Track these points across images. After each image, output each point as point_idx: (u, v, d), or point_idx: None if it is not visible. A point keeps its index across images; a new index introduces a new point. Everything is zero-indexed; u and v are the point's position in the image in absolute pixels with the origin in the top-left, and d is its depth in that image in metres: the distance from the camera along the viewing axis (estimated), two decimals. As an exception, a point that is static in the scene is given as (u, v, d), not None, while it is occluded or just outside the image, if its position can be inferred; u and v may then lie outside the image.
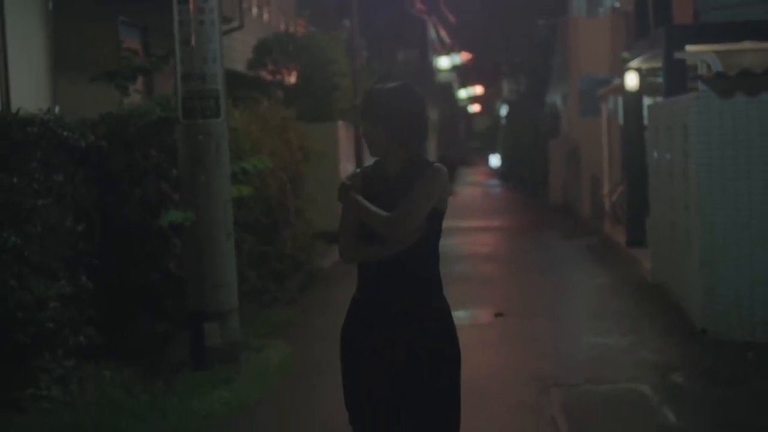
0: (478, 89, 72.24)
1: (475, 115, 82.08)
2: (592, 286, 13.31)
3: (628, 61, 16.49)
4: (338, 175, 18.20)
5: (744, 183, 9.26)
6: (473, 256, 16.60)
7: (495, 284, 13.76)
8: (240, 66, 18.42)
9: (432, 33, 54.49)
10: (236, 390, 7.77)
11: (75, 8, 11.31)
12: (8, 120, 7.17)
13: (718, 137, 9.36)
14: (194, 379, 7.87)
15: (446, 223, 4.24)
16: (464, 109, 77.94)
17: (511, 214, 26.80)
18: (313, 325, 10.85)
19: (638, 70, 16.17)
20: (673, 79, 12.83)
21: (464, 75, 67.67)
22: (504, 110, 57.45)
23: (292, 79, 19.45)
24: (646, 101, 16.40)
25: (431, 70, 52.89)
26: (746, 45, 12.33)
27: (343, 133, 19.24)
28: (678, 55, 12.52)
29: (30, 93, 10.10)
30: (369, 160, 15.78)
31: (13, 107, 8.57)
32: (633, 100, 16.64)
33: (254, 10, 20.72)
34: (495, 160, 57.92)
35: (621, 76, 17.41)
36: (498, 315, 10.98)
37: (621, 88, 17.42)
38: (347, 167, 19.24)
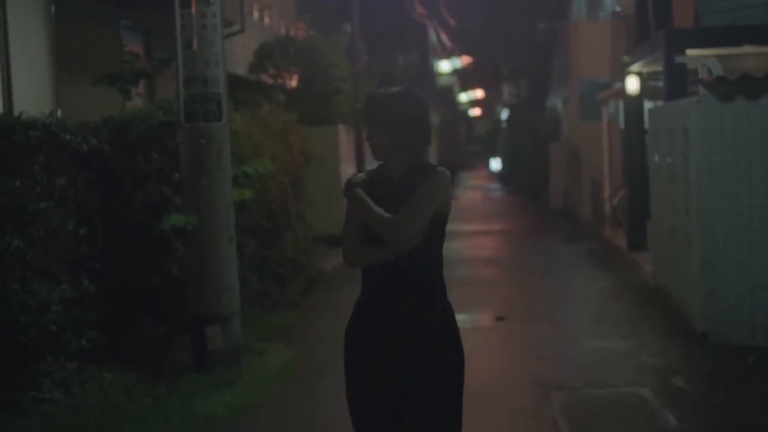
0: (478, 93, 72.23)
1: (475, 118, 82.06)
2: (592, 289, 13.32)
3: (628, 65, 16.50)
4: (339, 179, 18.22)
5: (745, 187, 9.28)
6: (474, 259, 16.61)
7: (496, 288, 13.78)
8: (241, 70, 18.44)
9: (432, 36, 54.52)
10: (238, 393, 7.79)
11: (77, 11, 11.33)
12: (11, 123, 7.17)
13: (719, 141, 9.38)
14: (196, 382, 7.89)
15: (447, 227, 4.25)
16: (465, 113, 77.93)
17: (512, 217, 26.82)
18: (314, 329, 10.87)
19: (639, 74, 16.18)
20: (674, 83, 12.84)
21: (465, 79, 67.67)
22: (504, 114, 57.43)
23: (293, 82, 19.47)
24: (647, 105, 16.42)
25: (432, 74, 52.91)
26: (747, 49, 12.34)
27: (344, 136, 19.26)
28: (679, 59, 12.53)
29: (32, 96, 10.11)
30: (370, 164, 15.74)
31: (16, 110, 8.59)
32: (634, 104, 16.66)
33: (255, 14, 20.73)
34: (495, 164, 57.90)
35: (621, 79, 17.43)
36: (499, 319, 11.01)
37: (622, 92, 17.44)
38: (348, 171, 19.25)
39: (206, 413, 7.30)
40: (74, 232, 7.55)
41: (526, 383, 8.15)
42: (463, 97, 72.63)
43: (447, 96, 59.95)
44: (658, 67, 14.36)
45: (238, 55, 18.31)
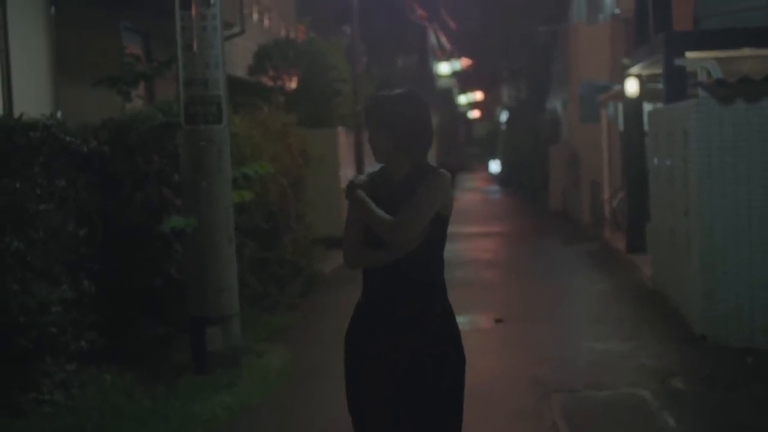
0: (478, 95, 72.25)
1: (474, 120, 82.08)
2: (592, 291, 13.33)
3: (628, 67, 16.52)
4: (338, 181, 18.25)
5: (744, 189, 9.29)
6: (474, 261, 16.62)
7: (496, 290, 13.78)
8: (241, 72, 18.45)
9: (432, 39, 54.53)
10: (238, 394, 7.79)
11: (77, 14, 11.34)
12: (11, 125, 7.19)
13: (718, 144, 9.39)
14: (196, 383, 7.89)
15: (447, 229, 4.27)
16: (464, 115, 77.95)
17: (511, 219, 26.82)
18: (314, 330, 10.88)
19: (638, 76, 16.20)
20: (674, 85, 12.86)
21: (464, 81, 67.69)
22: (504, 116, 57.47)
23: (293, 84, 19.48)
24: (647, 107, 16.43)
25: (431, 76, 52.91)
26: (746, 52, 12.36)
27: (344, 138, 19.28)
28: (678, 61, 12.55)
29: (32, 97, 10.12)
30: (369, 166, 15.79)
31: (16, 112, 8.61)
32: (633, 106, 16.67)
33: (255, 16, 20.74)
34: (495, 166, 57.90)
35: (621, 82, 17.43)
36: (498, 321, 11.02)
37: (621, 94, 17.45)
38: (347, 173, 19.26)
39: (206, 414, 7.30)
40: (74, 234, 7.57)
41: (526, 385, 8.16)
42: (463, 99, 72.65)
43: (446, 98, 59.96)
44: (658, 70, 14.37)
45: (238, 57, 18.33)
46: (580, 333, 10.52)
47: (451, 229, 4.31)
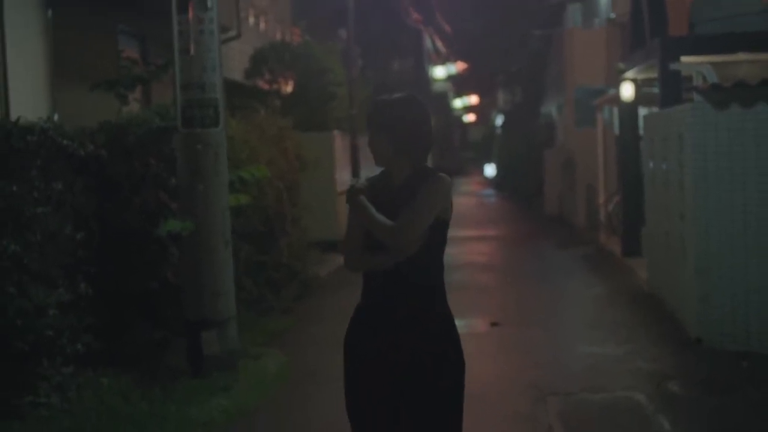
0: (473, 99, 72.31)
1: (470, 124, 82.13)
2: (587, 295, 13.35)
3: (623, 71, 16.55)
4: (334, 184, 18.27)
5: (739, 194, 9.31)
6: (469, 265, 16.63)
7: (491, 293, 13.80)
8: (237, 75, 18.47)
9: (428, 42, 54.60)
10: (234, 398, 7.80)
11: (74, 17, 11.35)
12: (8, 128, 7.19)
13: (714, 148, 9.41)
14: (192, 386, 7.90)
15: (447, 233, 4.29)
16: (459, 119, 78.00)
17: (507, 223, 26.85)
18: (309, 334, 10.89)
19: (634, 80, 16.23)
20: (669, 89, 12.89)
21: (460, 84, 67.78)
22: (499, 120, 57.50)
23: (289, 88, 19.50)
24: (642, 111, 16.46)
25: (427, 80, 53.01)
26: (741, 56, 12.39)
27: (339, 142, 19.30)
28: (673, 66, 12.58)
29: (29, 101, 10.13)
30: (365, 169, 15.80)
31: (13, 115, 8.62)
32: (628, 110, 16.71)
33: (251, 20, 20.76)
34: (490, 170, 57.95)
35: (616, 86, 17.47)
36: (494, 324, 11.03)
37: (616, 99, 17.48)
38: (343, 176, 19.29)
39: (203, 418, 7.31)
40: (71, 237, 7.57)
41: (522, 388, 8.17)
42: (458, 102, 72.70)
43: (442, 102, 60.03)
44: (653, 74, 14.41)
45: (234, 61, 18.35)
46: (576, 336, 10.54)
47: (448, 232, 4.32)
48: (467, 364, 4.25)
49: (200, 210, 8.31)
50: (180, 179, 8.42)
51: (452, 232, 4.36)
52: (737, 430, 7.04)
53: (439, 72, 58.03)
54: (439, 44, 59.44)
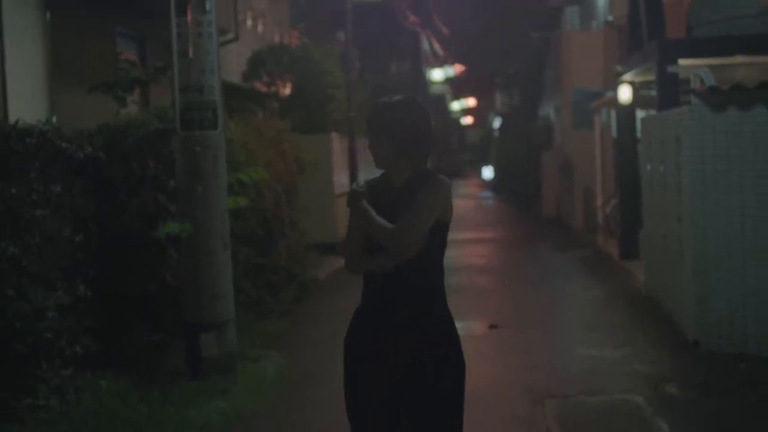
0: (470, 101, 72.35)
1: (467, 127, 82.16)
2: (585, 298, 13.35)
3: (621, 74, 16.56)
4: (332, 187, 18.28)
5: (737, 196, 9.32)
6: (467, 267, 16.64)
7: (489, 296, 13.81)
8: (235, 77, 18.48)
9: (425, 45, 54.63)
10: (233, 400, 7.80)
11: (73, 19, 11.36)
12: (7, 130, 7.19)
13: (712, 151, 9.43)
14: (191, 389, 7.90)
15: (447, 235, 4.30)
16: (457, 121, 78.05)
17: (504, 226, 26.86)
18: (307, 336, 10.90)
19: (631, 83, 16.25)
20: (666, 92, 12.90)
21: (457, 87, 67.82)
22: (497, 122, 57.53)
23: (287, 90, 19.51)
24: (639, 114, 16.48)
25: (424, 82, 53.04)
26: (739, 59, 12.40)
27: (337, 144, 19.31)
28: (671, 68, 12.59)
29: (27, 103, 10.14)
30: (363, 171, 15.79)
31: (11, 117, 8.62)
32: (626, 113, 16.72)
33: (249, 22, 20.77)
34: (488, 172, 57.98)
35: (614, 89, 17.48)
36: (492, 327, 11.04)
37: (614, 101, 17.49)
38: (341, 178, 19.30)
39: (201, 420, 7.31)
40: (70, 239, 7.58)
41: (520, 391, 8.18)
42: (456, 105, 72.73)
43: (439, 104, 60.06)
44: (651, 77, 14.42)
45: (232, 63, 18.35)
46: (574, 339, 10.55)
47: (445, 235, 4.34)
48: (466, 366, 4.26)
49: (199, 212, 8.32)
50: (179, 181, 8.43)
51: (450, 235, 4.37)
52: (735, 433, 7.06)
53: (437, 74, 58.09)
54: (437, 47, 59.49)
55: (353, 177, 19.90)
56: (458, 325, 4.29)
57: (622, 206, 16.72)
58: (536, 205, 30.45)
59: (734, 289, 9.29)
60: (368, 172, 19.24)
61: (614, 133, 19.30)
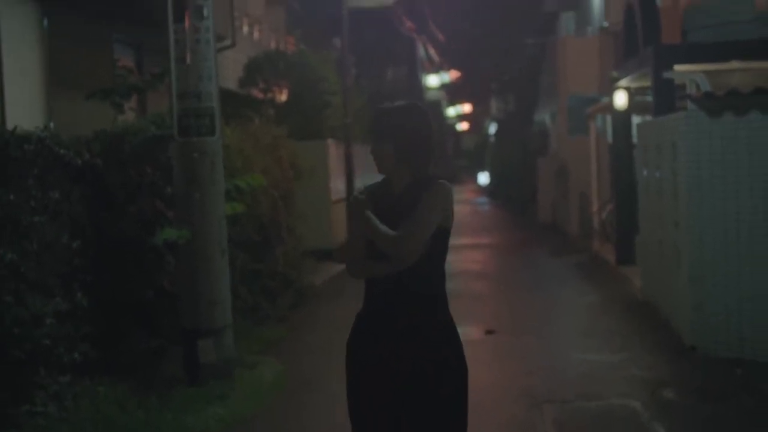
0: (466, 107, 72.40)
1: (463, 133, 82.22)
2: (581, 303, 13.37)
3: (616, 80, 16.60)
4: (328, 193, 18.29)
5: (732, 202, 9.35)
6: (463, 273, 16.64)
7: (485, 302, 13.82)
8: (231, 84, 18.50)
9: (421, 51, 54.67)
10: (231, 406, 7.81)
11: (70, 26, 11.39)
12: (6, 137, 7.20)
13: (708, 156, 9.46)
14: (189, 395, 7.90)
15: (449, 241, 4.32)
16: (452, 127, 78.10)
17: (500, 231, 26.89)
18: (304, 343, 10.91)
19: (627, 88, 16.28)
20: (662, 98, 12.93)
21: (453, 93, 67.84)
22: (492, 128, 57.60)
23: (283, 97, 19.52)
24: (635, 120, 16.52)
25: (420, 88, 53.05)
26: (734, 65, 12.45)
27: (334, 150, 19.32)
28: (667, 74, 12.63)
29: (25, 110, 10.16)
30: (360, 178, 15.79)
31: (9, 123, 8.63)
32: (622, 118, 16.75)
33: (245, 29, 20.81)
34: (483, 178, 58.04)
35: (609, 94, 17.52)
36: (489, 332, 11.06)
37: (609, 107, 17.52)
38: (337, 185, 19.31)
39: (199, 426, 7.32)
40: (68, 246, 7.58)
41: (517, 396, 8.20)
42: (451, 111, 72.79)
43: (435, 110, 60.06)
44: (647, 82, 14.46)
45: (228, 69, 18.37)
46: (571, 344, 10.56)
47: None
48: (463, 372, 4.28)
49: (197, 218, 8.33)
50: (176, 188, 8.44)
51: (448, 241, 4.38)
52: (732, 437, 7.08)
53: (433, 80, 58.12)
54: (433, 53, 59.53)
55: (349, 183, 19.92)
56: (455, 330, 4.30)
57: (618, 212, 16.73)
58: (532, 210, 30.48)
59: (730, 294, 9.31)
60: (364, 178, 19.24)
61: (610, 138, 19.33)
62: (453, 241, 4.43)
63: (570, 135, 23.88)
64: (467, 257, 19.25)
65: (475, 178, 63.83)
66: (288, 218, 13.30)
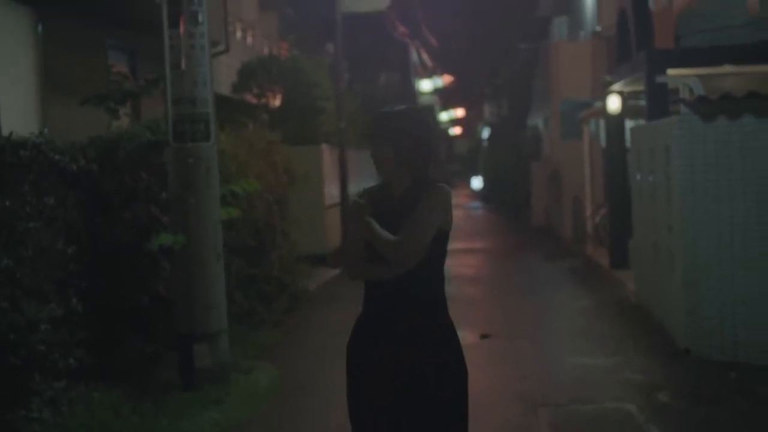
0: (459, 112, 72.48)
1: (456, 137, 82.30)
2: (575, 307, 13.38)
3: (610, 84, 16.64)
4: (322, 198, 18.30)
5: (726, 206, 9.38)
6: (457, 277, 16.64)
7: (479, 306, 13.83)
8: (225, 89, 18.50)
9: (414, 56, 54.67)
10: (226, 411, 7.81)
11: (64, 32, 11.39)
12: (1, 143, 7.20)
13: (701, 160, 9.49)
14: (184, 400, 7.90)
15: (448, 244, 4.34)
16: (445, 132, 78.16)
17: (494, 236, 26.92)
18: (300, 347, 10.90)
19: (620, 93, 16.32)
20: (656, 102, 12.97)
21: (446, 98, 67.91)
22: (486, 133, 57.66)
23: (277, 102, 19.53)
24: (628, 124, 16.55)
25: (413, 93, 53.02)
26: (727, 69, 12.49)
27: (328, 155, 19.34)
28: (660, 78, 12.67)
29: (19, 115, 10.16)
30: (354, 183, 15.78)
31: (3, 129, 8.63)
32: (615, 122, 16.79)
33: (238, 34, 20.80)
34: (477, 183, 58.09)
35: (602, 99, 17.56)
36: (484, 336, 11.07)
37: (602, 111, 17.57)
38: (331, 190, 19.33)
39: (194, 431, 7.32)
40: (63, 251, 7.58)
41: (512, 400, 8.22)
42: (444, 116, 72.85)
43: (428, 115, 60.04)
44: (640, 87, 14.50)
45: (222, 75, 18.38)
46: (565, 348, 10.58)
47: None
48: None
49: (192, 224, 8.33)
50: (171, 193, 8.45)
51: (442, 245, 4.39)
52: (726, 440, 7.10)
53: (426, 85, 58.11)
54: (426, 57, 59.55)
55: (343, 188, 19.94)
56: (450, 335, 4.31)
57: (611, 216, 16.77)
58: (525, 214, 30.52)
59: (724, 297, 9.34)
60: (358, 183, 19.27)
61: (603, 143, 19.37)
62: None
63: (563, 139, 23.92)
64: (461, 262, 19.26)
65: (468, 183, 63.89)
66: (283, 223, 13.32)
